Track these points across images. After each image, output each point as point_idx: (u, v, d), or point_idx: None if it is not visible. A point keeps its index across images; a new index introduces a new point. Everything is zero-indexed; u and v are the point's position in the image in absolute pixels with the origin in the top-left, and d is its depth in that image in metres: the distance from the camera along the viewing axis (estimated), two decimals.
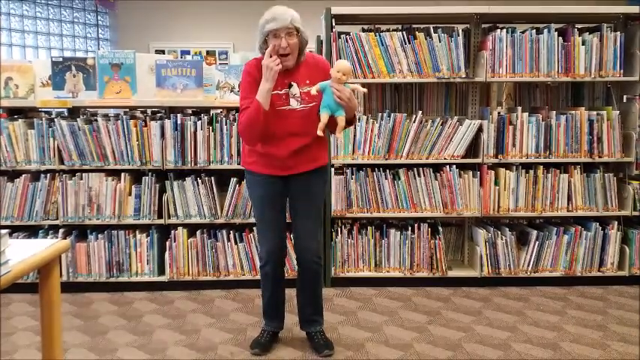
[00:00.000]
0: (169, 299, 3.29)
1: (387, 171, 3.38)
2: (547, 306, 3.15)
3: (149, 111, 4.07)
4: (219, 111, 3.72)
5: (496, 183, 3.40)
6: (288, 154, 2.40)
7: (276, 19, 2.26)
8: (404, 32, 3.34)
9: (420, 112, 3.37)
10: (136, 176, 3.41)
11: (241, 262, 3.38)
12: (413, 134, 3.34)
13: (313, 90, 2.31)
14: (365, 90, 2.44)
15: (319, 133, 2.33)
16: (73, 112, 3.64)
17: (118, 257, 3.35)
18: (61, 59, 3.30)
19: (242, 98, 2.41)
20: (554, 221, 3.57)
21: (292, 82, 2.38)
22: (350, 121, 2.42)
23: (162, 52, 7.17)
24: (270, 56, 2.29)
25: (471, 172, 3.40)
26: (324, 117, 2.32)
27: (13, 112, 3.60)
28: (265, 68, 2.28)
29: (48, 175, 3.32)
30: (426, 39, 3.32)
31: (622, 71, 3.36)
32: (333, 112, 2.33)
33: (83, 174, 3.30)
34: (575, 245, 3.40)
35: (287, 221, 2.63)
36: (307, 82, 2.38)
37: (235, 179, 3.31)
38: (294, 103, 2.39)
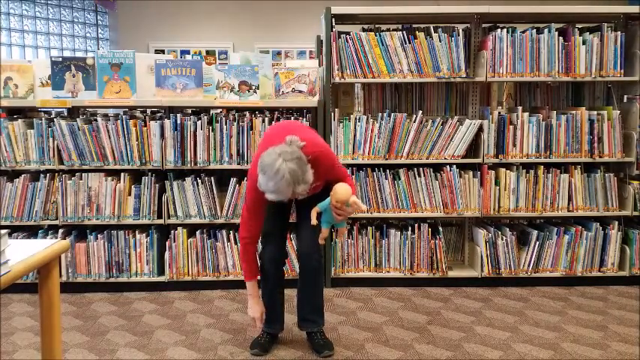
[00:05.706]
0: (169, 299, 3.28)
1: (387, 171, 3.38)
2: (547, 306, 3.14)
3: (149, 111, 4.08)
4: (218, 111, 3.73)
5: (496, 183, 3.39)
6: None
7: (275, 193, 2.14)
8: (404, 32, 3.33)
9: (420, 112, 3.36)
10: (136, 176, 3.40)
11: None
12: (413, 134, 3.34)
13: (313, 217, 2.32)
14: (366, 208, 2.57)
15: (321, 242, 2.43)
16: (73, 112, 3.64)
17: (117, 257, 3.35)
18: (60, 59, 3.29)
19: (247, 191, 2.43)
20: (554, 221, 3.57)
21: None
22: None
23: (162, 51, 7.17)
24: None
25: (471, 172, 3.39)
26: (325, 232, 2.40)
27: (13, 112, 3.60)
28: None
29: (47, 175, 3.31)
30: (426, 39, 3.31)
31: (622, 71, 3.36)
32: (335, 226, 2.43)
33: (83, 174, 3.30)
34: (575, 245, 3.40)
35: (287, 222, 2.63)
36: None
37: (235, 179, 3.30)
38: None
